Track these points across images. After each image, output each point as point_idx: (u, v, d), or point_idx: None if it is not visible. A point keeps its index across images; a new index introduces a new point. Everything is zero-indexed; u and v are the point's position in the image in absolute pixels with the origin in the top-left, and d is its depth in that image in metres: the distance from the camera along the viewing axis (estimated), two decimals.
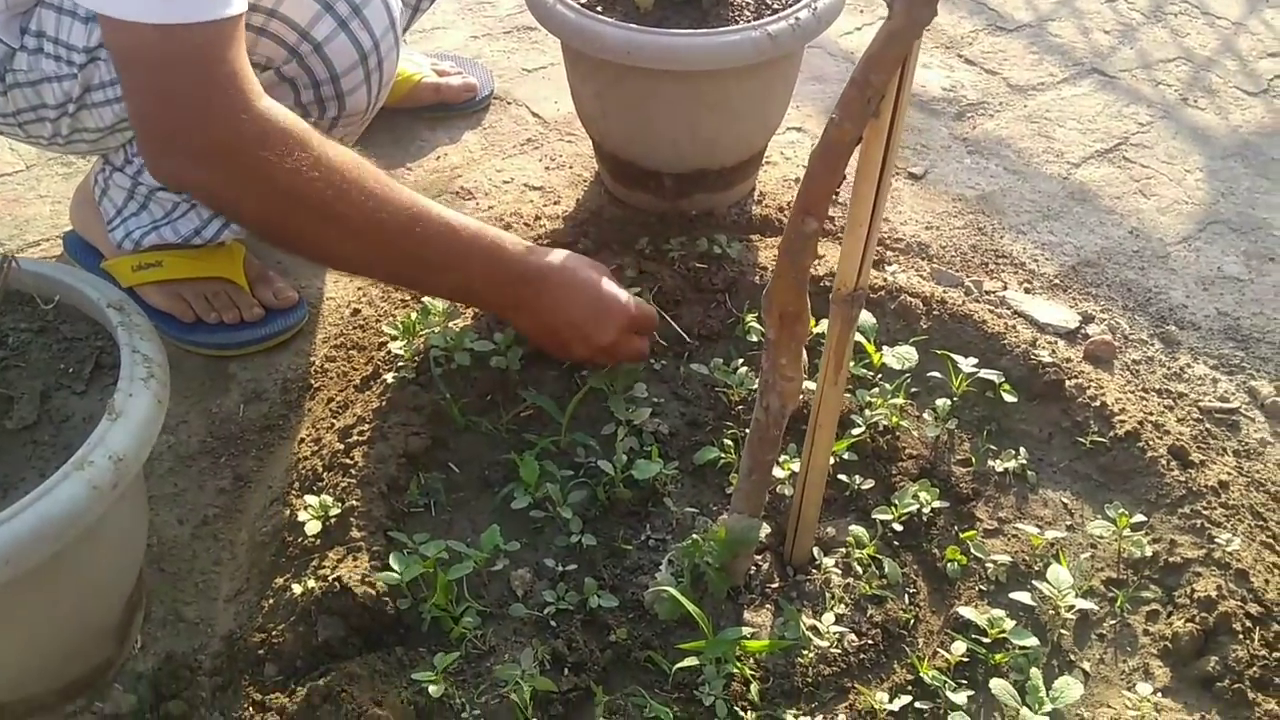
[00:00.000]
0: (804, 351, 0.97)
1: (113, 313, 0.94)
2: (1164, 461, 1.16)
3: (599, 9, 1.37)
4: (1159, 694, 0.99)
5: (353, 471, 1.15)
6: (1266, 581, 1.05)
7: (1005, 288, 1.42)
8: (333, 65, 1.12)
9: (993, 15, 1.92)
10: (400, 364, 1.26)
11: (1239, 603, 1.03)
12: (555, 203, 1.55)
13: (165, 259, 1.32)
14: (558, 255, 1.19)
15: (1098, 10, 1.93)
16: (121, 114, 1.15)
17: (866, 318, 1.29)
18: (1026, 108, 1.72)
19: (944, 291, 1.37)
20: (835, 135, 0.80)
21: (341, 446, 1.18)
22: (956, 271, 1.44)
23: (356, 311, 1.38)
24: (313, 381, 1.30)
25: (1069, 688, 0.98)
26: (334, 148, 1.01)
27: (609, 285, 1.19)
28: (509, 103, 1.73)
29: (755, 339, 1.31)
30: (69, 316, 0.97)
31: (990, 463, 1.19)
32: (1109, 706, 0.99)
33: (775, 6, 1.38)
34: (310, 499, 1.10)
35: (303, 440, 1.22)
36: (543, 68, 1.78)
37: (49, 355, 0.94)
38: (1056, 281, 1.43)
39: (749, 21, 1.34)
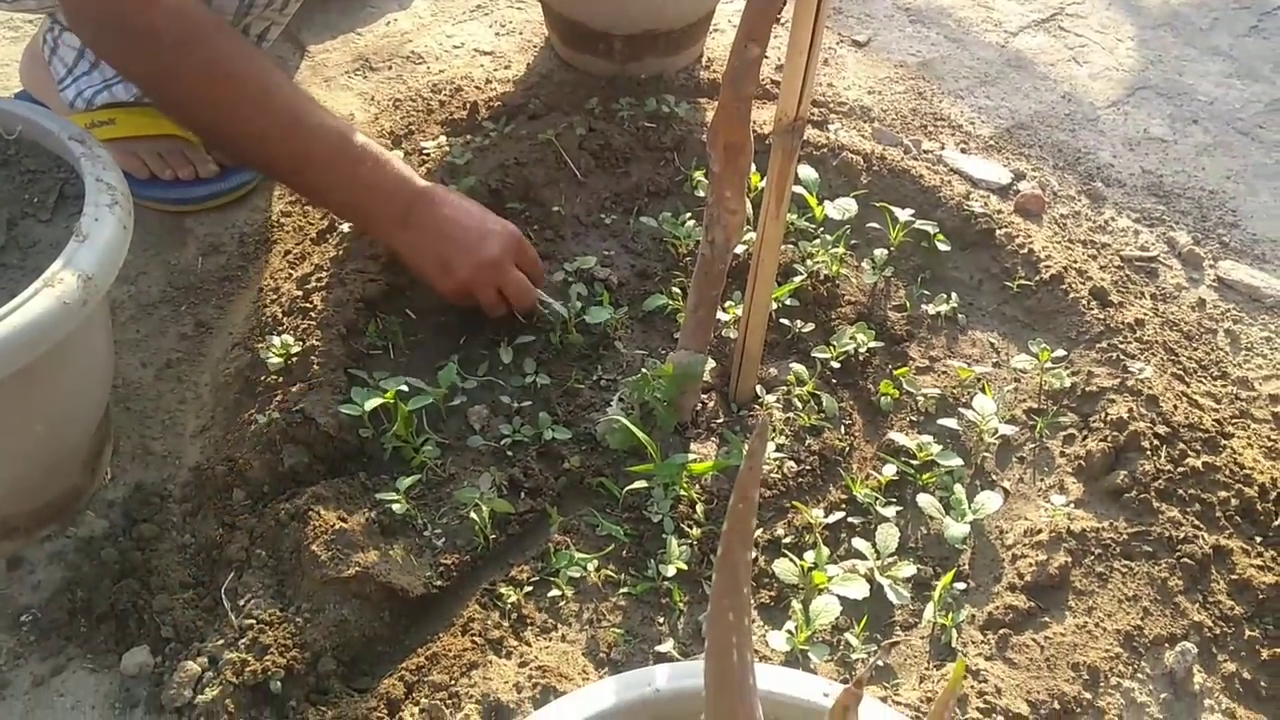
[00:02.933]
0: (749, 183, 1.02)
1: (75, 145, 0.96)
2: (1085, 302, 1.23)
3: None
4: (1072, 505, 1.07)
5: (312, 315, 1.18)
6: (1174, 406, 1.13)
7: (943, 147, 1.47)
8: None
9: None
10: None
11: (1148, 424, 1.11)
12: (506, 67, 1.57)
13: (118, 116, 1.33)
14: (456, 192, 1.20)
15: None
16: None
17: (809, 172, 1.34)
18: None
19: (884, 149, 1.42)
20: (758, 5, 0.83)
21: (300, 293, 1.21)
22: (897, 132, 1.48)
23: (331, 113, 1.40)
24: (269, 235, 1.32)
25: (989, 500, 1.06)
26: (240, 40, 1.06)
27: (488, 222, 1.18)
28: None
29: (702, 194, 1.36)
30: (30, 151, 0.99)
31: (924, 307, 1.26)
32: (1026, 518, 1.07)
33: None
34: (273, 339, 1.14)
35: (261, 289, 1.25)
36: None
37: (13, 186, 0.96)
38: (991, 142, 1.49)
39: None
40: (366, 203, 1.13)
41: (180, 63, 1.03)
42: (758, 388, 1.18)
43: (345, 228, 1.27)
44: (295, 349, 1.13)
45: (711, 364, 1.15)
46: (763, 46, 0.90)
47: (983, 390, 1.17)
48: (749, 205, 1.19)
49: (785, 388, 1.18)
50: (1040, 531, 1.05)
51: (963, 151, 1.47)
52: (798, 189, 1.30)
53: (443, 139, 1.41)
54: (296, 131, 1.08)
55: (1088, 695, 0.93)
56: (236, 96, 1.05)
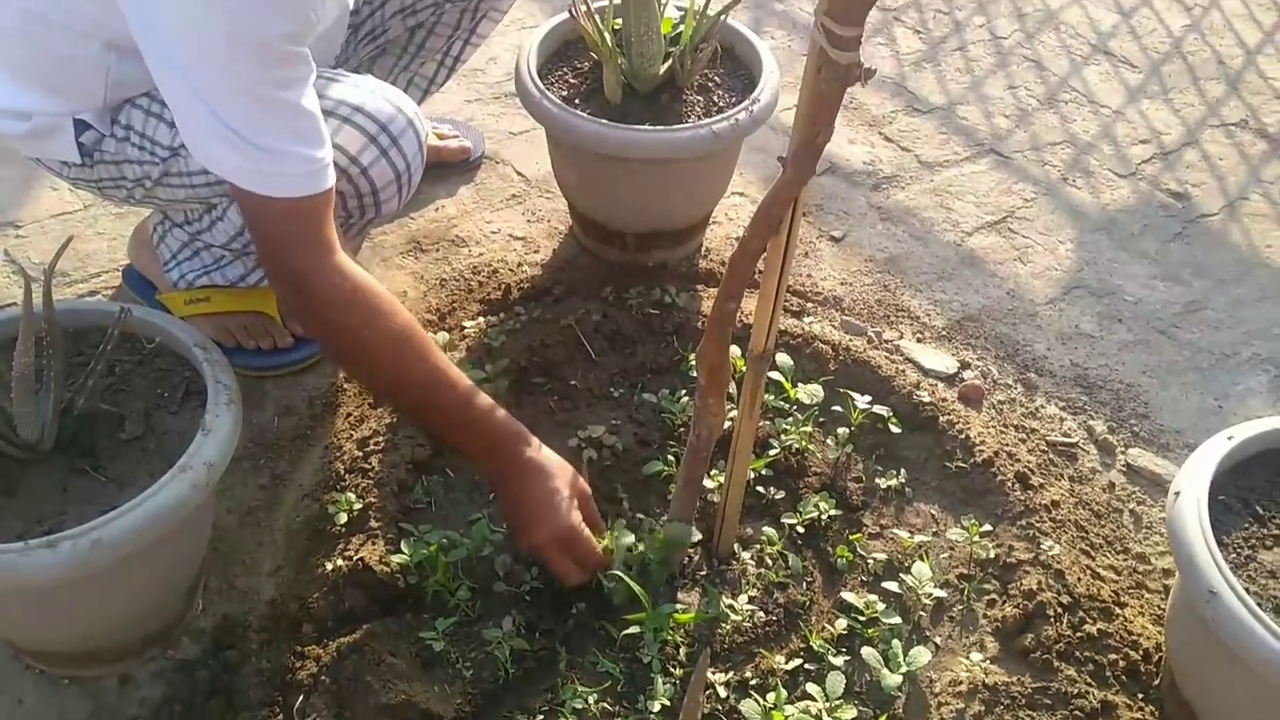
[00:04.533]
0: (727, 392, 1.28)
1: (199, 351, 1.22)
2: (1010, 484, 1.48)
3: (576, 102, 1.67)
4: (988, 661, 1.31)
5: (370, 474, 1.44)
6: (1078, 579, 1.37)
7: (901, 337, 1.73)
8: (374, 183, 1.39)
9: (910, 98, 2.24)
10: None
11: (1054, 595, 1.35)
12: (535, 251, 1.85)
13: (212, 295, 1.60)
14: (547, 460, 1.34)
15: (1000, 96, 2.26)
16: (190, 194, 1.42)
17: (785, 359, 1.60)
18: (933, 181, 2.04)
19: (850, 340, 1.68)
20: (748, 246, 1.10)
21: (360, 454, 1.48)
22: (863, 322, 1.75)
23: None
24: (335, 398, 1.58)
25: (920, 655, 1.30)
26: (393, 314, 1.27)
27: (563, 502, 1.32)
28: (498, 162, 2.03)
29: (694, 375, 1.62)
30: (162, 352, 1.26)
31: (877, 480, 1.51)
32: (950, 670, 1.31)
33: (721, 105, 1.69)
34: (338, 495, 1.40)
35: (327, 447, 1.51)
36: (527, 131, 2.08)
37: (148, 383, 1.23)
38: (943, 333, 1.75)
39: (699, 118, 1.65)
40: (480, 455, 1.35)
41: (344, 325, 1.26)
42: (735, 545, 1.42)
43: None
44: (357, 505, 1.39)
45: (697, 535, 1.39)
46: (738, 303, 1.16)
47: (922, 557, 1.42)
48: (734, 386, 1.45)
49: (759, 546, 1.42)
50: (962, 683, 1.29)
51: (919, 341, 1.73)
52: (775, 374, 1.56)
53: (480, 320, 1.69)
54: (431, 385, 1.30)
55: None
56: (378, 355, 1.27)
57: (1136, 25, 2.48)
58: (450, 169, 1.98)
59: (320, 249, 1.23)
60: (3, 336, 1.18)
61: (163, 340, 1.25)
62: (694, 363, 1.63)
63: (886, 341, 1.72)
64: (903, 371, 1.63)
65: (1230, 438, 1.24)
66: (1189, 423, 1.63)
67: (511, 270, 1.80)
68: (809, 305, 1.78)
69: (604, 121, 1.59)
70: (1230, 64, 2.37)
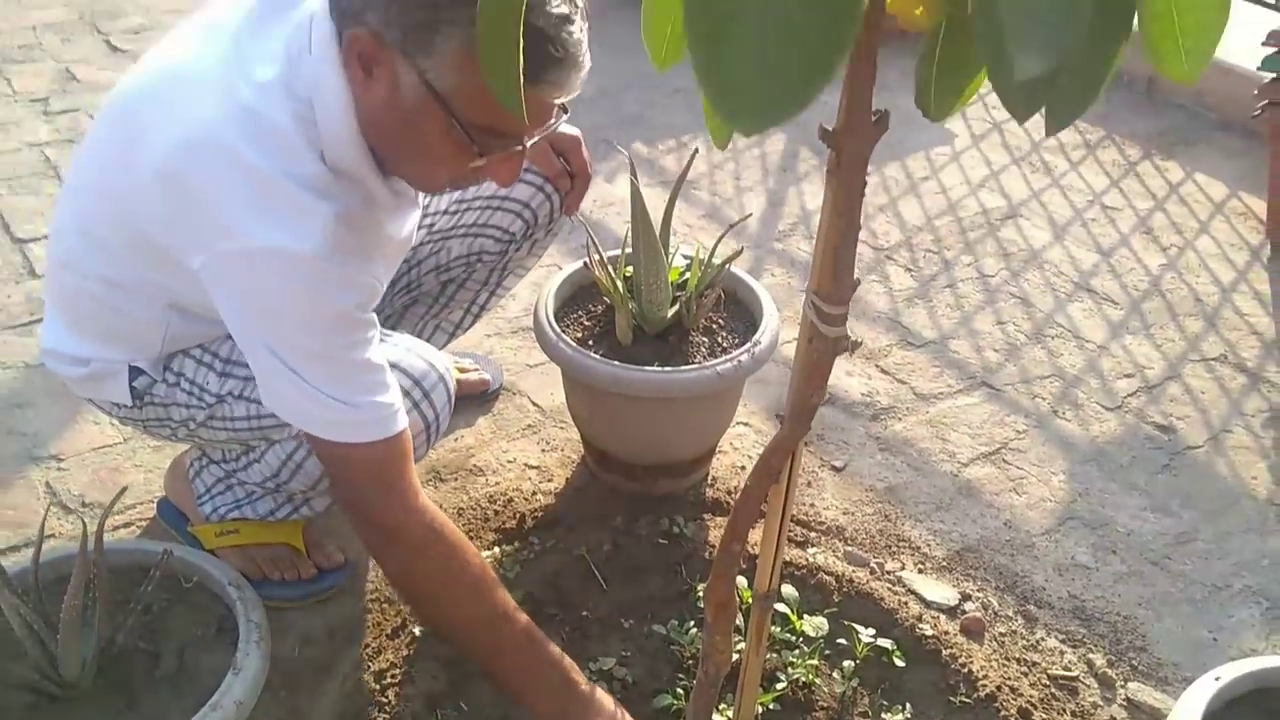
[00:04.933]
0: (734, 626, 1.33)
1: (233, 590, 1.29)
2: (1013, 719, 1.51)
3: (590, 342, 1.80)
4: None
5: (386, 708, 1.48)
6: None
7: (903, 568, 1.79)
8: None
9: (905, 332, 2.37)
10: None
11: None
12: (549, 480, 1.94)
13: (242, 528, 1.68)
14: (602, 712, 1.39)
15: (990, 331, 2.39)
16: (231, 436, 1.53)
17: (790, 591, 1.66)
18: (928, 413, 2.14)
19: (853, 570, 1.74)
20: (750, 494, 1.19)
21: (377, 687, 1.52)
22: (865, 552, 1.81)
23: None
24: (353, 630, 1.64)
25: None
26: (467, 557, 1.36)
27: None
28: (515, 393, 2.14)
29: (702, 606, 1.67)
30: (197, 589, 1.32)
31: (884, 715, 1.54)
32: None
33: (725, 346, 1.81)
34: None
35: (345, 678, 1.55)
36: (542, 363, 2.20)
37: (185, 621, 1.29)
38: (944, 564, 1.81)
39: (704, 358, 1.77)
40: (537, 702, 1.38)
41: (415, 562, 1.35)
42: None
43: (415, 630, 1.58)
44: None
45: None
46: (743, 545, 1.24)
47: None
48: (741, 616, 1.50)
49: None
50: None
51: (920, 572, 1.79)
52: (780, 607, 1.61)
53: (496, 550, 1.76)
54: (495, 627, 1.36)
55: None
56: (455, 596, 1.35)
57: (1116, 264, 2.65)
58: (470, 400, 2.09)
59: (399, 492, 1.33)
60: (52, 575, 1.26)
61: (200, 579, 1.32)
62: (702, 596, 1.70)
63: (889, 573, 1.77)
64: (905, 604, 1.69)
65: (1218, 678, 1.29)
66: (1185, 656, 1.66)
67: (526, 499, 1.88)
68: (812, 535, 1.85)
69: (615, 363, 1.70)
70: (1207, 301, 2.51)
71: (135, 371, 1.52)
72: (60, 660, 1.14)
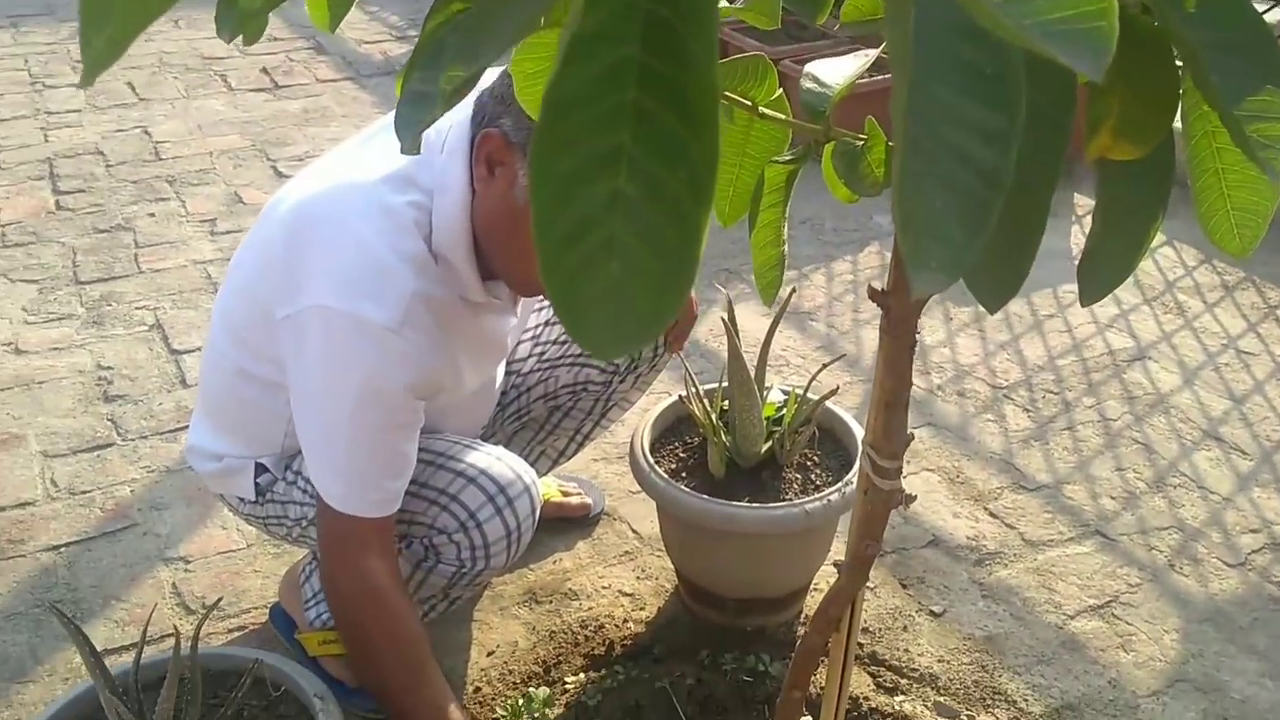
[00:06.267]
0: None
1: (317, 700, 1.36)
2: None
3: (683, 474, 1.83)
4: None
5: None
6: None
7: None
8: (486, 538, 1.58)
9: (1017, 475, 2.33)
10: None
11: None
12: (641, 608, 1.96)
13: None
14: None
15: (1108, 477, 2.32)
16: None
17: None
18: (1036, 561, 2.09)
19: None
20: (809, 643, 1.20)
21: None
22: (958, 704, 1.76)
23: (478, 689, 1.78)
24: None
25: None
26: (400, 622, 1.50)
27: None
28: (615, 519, 2.19)
29: None
30: (285, 699, 1.40)
31: None
32: None
33: (818, 484, 1.82)
34: None
35: None
36: (643, 491, 2.24)
37: None
38: None
39: (796, 495, 1.78)
40: None
41: (356, 620, 1.52)
42: None
43: None
44: None
45: None
46: (804, 691, 1.24)
47: None
48: None
49: None
50: None
51: None
52: None
53: (581, 675, 1.78)
54: (409, 695, 1.50)
55: None
56: (382, 656, 1.51)
57: (1248, 412, 2.54)
58: (571, 523, 2.14)
59: (363, 551, 1.49)
60: (153, 675, 1.35)
61: (288, 688, 1.39)
62: None
63: None
64: None
65: None
66: None
67: (617, 626, 1.91)
68: (903, 682, 1.81)
69: (705, 497, 1.73)
70: None
71: (260, 469, 1.67)
72: None
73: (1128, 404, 2.59)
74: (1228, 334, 2.88)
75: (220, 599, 1.50)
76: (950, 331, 2.90)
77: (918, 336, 0.99)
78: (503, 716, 1.68)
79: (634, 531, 2.16)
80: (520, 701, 1.68)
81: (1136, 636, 1.92)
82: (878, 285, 1.00)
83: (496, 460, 1.59)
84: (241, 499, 1.71)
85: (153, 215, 3.39)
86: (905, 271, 0.42)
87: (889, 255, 3.29)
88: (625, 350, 0.37)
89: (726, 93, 0.93)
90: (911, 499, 1.08)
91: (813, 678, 1.29)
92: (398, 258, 1.41)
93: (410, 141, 0.86)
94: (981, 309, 2.97)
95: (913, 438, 1.05)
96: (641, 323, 0.36)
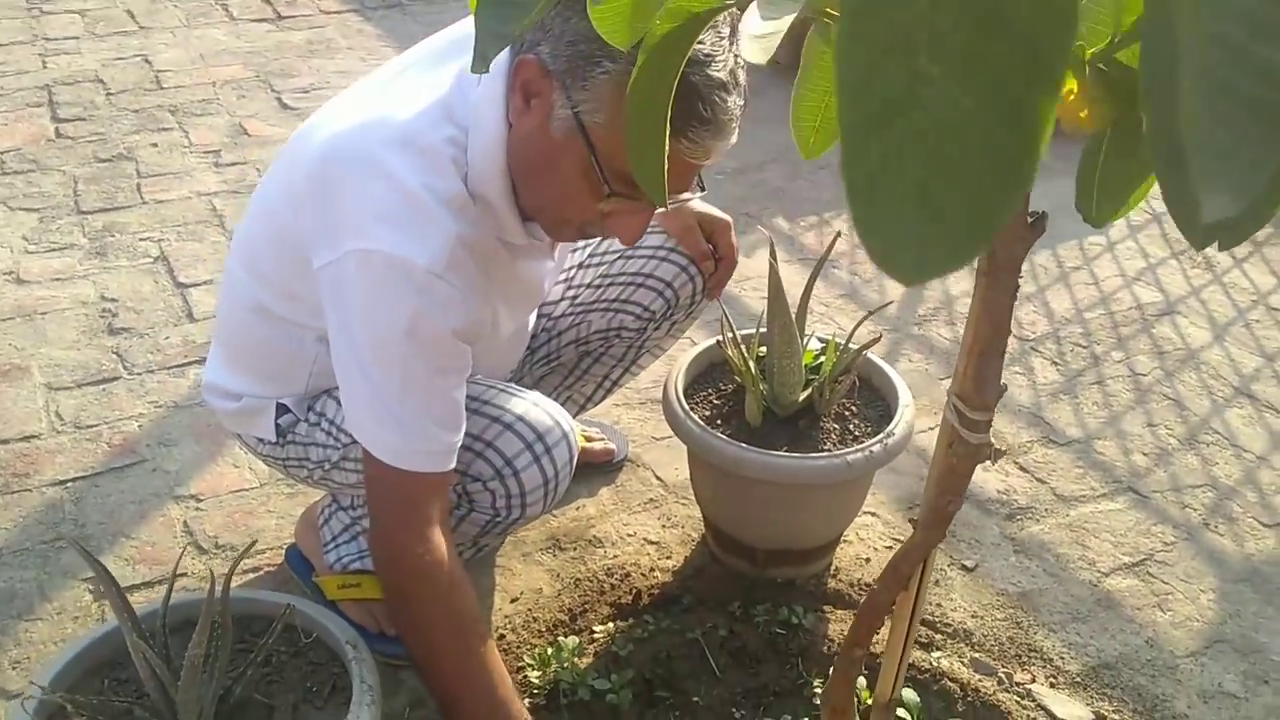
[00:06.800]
0: None
1: (349, 648, 1.30)
2: None
3: (718, 422, 1.77)
4: None
5: None
6: None
7: (1033, 680, 1.70)
8: (524, 486, 1.51)
9: (1048, 429, 2.28)
10: (534, 690, 1.59)
11: None
12: (667, 557, 1.91)
13: (364, 581, 1.70)
14: None
15: (1140, 433, 2.27)
16: (361, 479, 1.56)
17: (911, 695, 1.59)
18: (1069, 516, 2.04)
19: (979, 679, 1.66)
20: (876, 599, 1.14)
21: None
22: (994, 660, 1.73)
23: (502, 636, 1.73)
24: None
25: None
26: (462, 600, 1.38)
27: None
28: (639, 466, 2.13)
29: (817, 702, 1.61)
30: (316, 646, 1.34)
31: None
32: None
33: (856, 434, 1.76)
34: None
35: None
36: (668, 437, 2.18)
37: (300, 676, 1.31)
38: (1078, 679, 1.71)
39: (835, 445, 1.72)
40: None
41: (414, 594, 1.38)
42: None
43: (525, 702, 1.57)
44: None
45: None
46: (865, 650, 1.19)
47: None
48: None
49: None
50: None
51: (1051, 686, 1.69)
52: (901, 712, 1.54)
53: (610, 624, 1.73)
54: (461, 671, 1.37)
55: None
56: (439, 639, 1.37)
57: None
58: (594, 469, 2.08)
59: (423, 518, 1.37)
60: (178, 618, 1.29)
61: (319, 635, 1.34)
62: (817, 690, 1.64)
63: (1018, 684, 1.68)
64: None
65: None
66: None
67: (644, 575, 1.86)
68: (938, 637, 1.77)
69: (742, 445, 1.67)
70: None
71: (281, 409, 1.59)
72: (180, 706, 1.16)
73: (1157, 359, 2.54)
74: (1258, 289, 2.83)
75: (255, 541, 1.43)
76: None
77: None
78: (530, 665, 1.63)
79: (658, 479, 2.11)
80: (549, 650, 1.64)
81: (1173, 596, 1.88)
82: None
83: (534, 406, 1.53)
84: (261, 439, 1.64)
85: (155, 145, 3.28)
86: (1189, 195, 0.35)
87: None
88: (927, 277, 0.30)
89: (827, 9, 0.85)
90: (1001, 453, 1.02)
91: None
92: (436, 199, 1.31)
93: (487, 58, 0.78)
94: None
95: (1005, 389, 0.99)
96: (953, 238, 0.29)
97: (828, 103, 0.99)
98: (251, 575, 1.83)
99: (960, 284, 2.79)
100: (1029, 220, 0.92)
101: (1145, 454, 2.22)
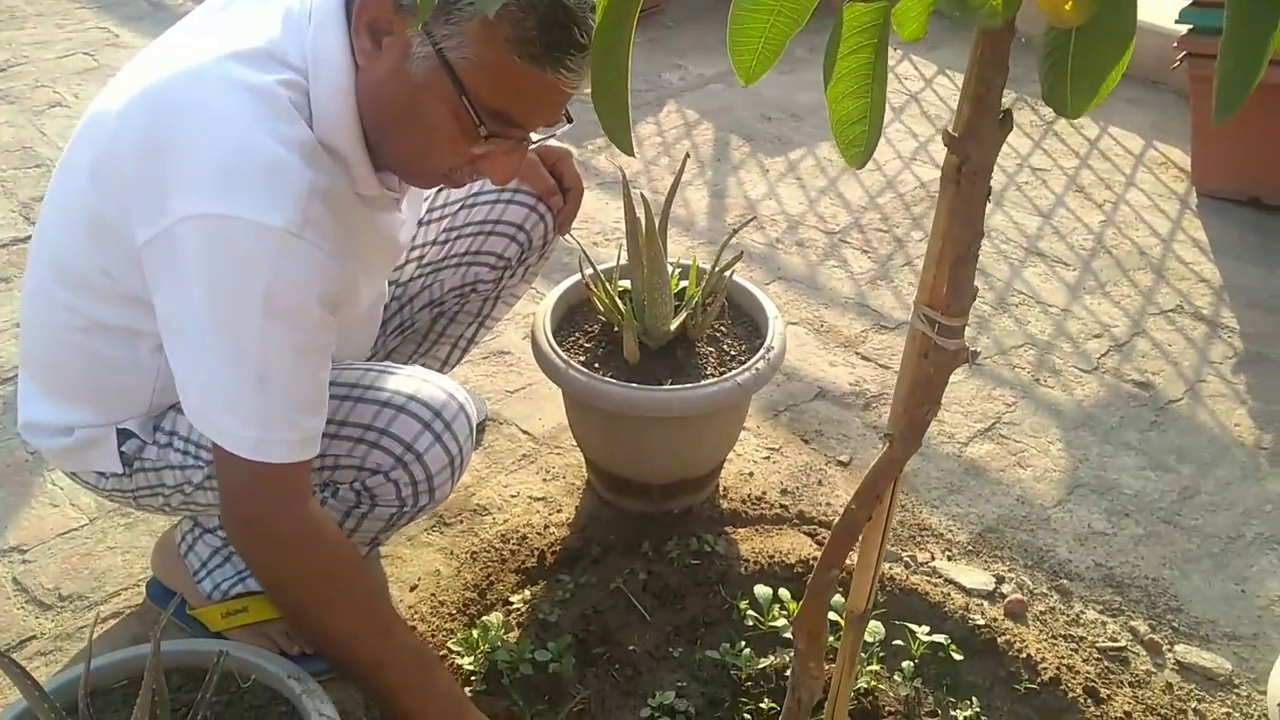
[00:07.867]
0: (823, 652, 1.29)
1: (293, 683, 1.18)
2: (1081, 700, 1.51)
3: (595, 365, 1.72)
4: None
5: None
6: None
7: (933, 558, 1.77)
8: (429, 469, 1.40)
9: (875, 316, 2.36)
10: (470, 676, 1.51)
11: None
12: (558, 511, 1.85)
13: (250, 604, 1.55)
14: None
15: None
16: None
17: (837, 599, 1.62)
18: None
19: (889, 567, 1.72)
20: (852, 518, 1.14)
21: None
22: (893, 546, 1.79)
23: (413, 628, 1.63)
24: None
25: None
26: (359, 559, 1.30)
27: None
28: (501, 423, 2.05)
29: (750, 623, 1.62)
30: (254, 689, 1.21)
31: (953, 713, 1.51)
32: None
33: (732, 353, 1.75)
34: None
35: None
36: (522, 388, 2.11)
37: None
38: (970, 548, 1.80)
39: (714, 369, 1.71)
40: (426, 709, 1.29)
41: (307, 572, 1.27)
42: None
43: (468, 691, 1.49)
44: None
45: None
46: (839, 570, 1.19)
47: None
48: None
49: None
50: None
51: (949, 559, 1.78)
52: (833, 615, 1.57)
53: (525, 592, 1.67)
54: (384, 640, 1.28)
55: None
56: (340, 602, 1.27)
57: (1058, 225, 2.69)
58: None
59: (295, 498, 1.26)
60: (108, 681, 1.12)
61: (256, 676, 1.20)
62: (747, 610, 1.64)
63: (922, 564, 1.76)
64: (949, 595, 1.67)
65: None
66: (1220, 611, 1.69)
67: (539, 534, 1.80)
68: None
69: (633, 385, 1.63)
70: (1151, 253, 2.58)
71: (124, 435, 1.41)
72: None
73: None
74: (1018, 154, 3.02)
75: (179, 596, 1.27)
76: (770, 184, 2.88)
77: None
78: (457, 651, 1.55)
79: (525, 432, 2.03)
80: (475, 633, 1.55)
81: (1027, 452, 2.01)
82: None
83: (424, 382, 1.42)
84: (102, 474, 1.44)
85: None
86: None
87: (690, 113, 3.23)
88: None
89: None
90: (976, 354, 1.03)
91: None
92: (284, 146, 1.15)
93: None
94: (794, 156, 2.98)
95: (977, 291, 1.00)
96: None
97: (771, 22, 0.94)
98: (114, 621, 1.63)
99: (756, 188, 2.82)
100: (998, 119, 0.91)
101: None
